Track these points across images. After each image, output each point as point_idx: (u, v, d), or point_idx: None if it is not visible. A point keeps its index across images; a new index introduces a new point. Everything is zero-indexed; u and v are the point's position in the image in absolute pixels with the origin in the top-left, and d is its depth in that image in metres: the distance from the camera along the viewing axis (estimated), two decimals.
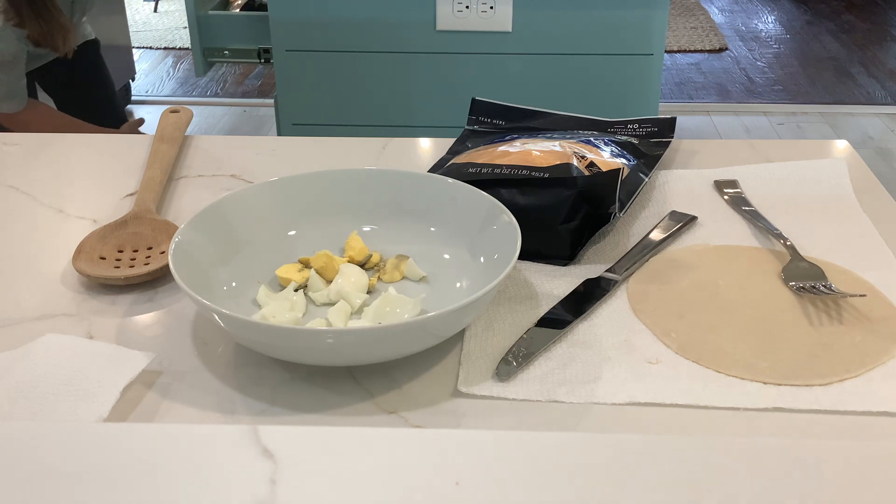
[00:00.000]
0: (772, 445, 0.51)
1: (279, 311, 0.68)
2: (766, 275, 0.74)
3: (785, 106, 3.25)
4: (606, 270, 0.74)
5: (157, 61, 3.64)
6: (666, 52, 2.58)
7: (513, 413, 0.60)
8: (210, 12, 1.80)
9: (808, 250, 0.77)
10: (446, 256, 0.75)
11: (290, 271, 0.73)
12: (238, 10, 1.86)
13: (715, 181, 0.89)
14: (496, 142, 0.88)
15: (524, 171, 0.78)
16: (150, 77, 3.49)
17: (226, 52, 1.81)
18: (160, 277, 0.74)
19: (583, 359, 0.65)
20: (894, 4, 4.31)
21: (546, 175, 0.77)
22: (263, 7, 1.84)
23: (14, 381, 0.59)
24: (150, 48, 3.78)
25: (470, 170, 0.80)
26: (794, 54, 3.75)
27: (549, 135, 0.90)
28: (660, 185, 0.88)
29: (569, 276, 0.75)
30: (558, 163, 0.79)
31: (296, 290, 0.71)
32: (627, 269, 0.74)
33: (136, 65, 3.34)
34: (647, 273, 0.74)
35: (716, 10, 4.27)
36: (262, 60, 1.83)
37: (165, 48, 3.78)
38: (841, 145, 0.97)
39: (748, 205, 0.84)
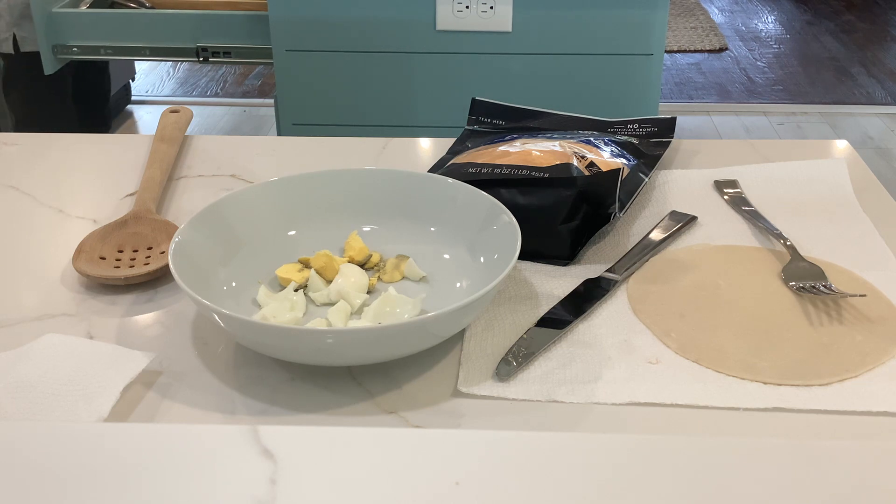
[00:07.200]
0: (772, 445, 0.51)
1: (279, 311, 0.68)
2: (766, 275, 0.74)
3: (785, 106, 3.25)
4: (606, 270, 0.74)
5: (157, 61, 3.63)
6: (666, 52, 2.58)
7: (513, 413, 0.60)
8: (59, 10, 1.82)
9: (808, 250, 0.77)
10: (446, 256, 0.75)
11: (290, 271, 0.73)
12: (86, 8, 1.88)
13: (715, 181, 0.89)
14: (496, 142, 0.88)
15: (524, 171, 0.78)
16: (150, 77, 3.49)
17: (75, 49, 1.83)
18: (160, 277, 0.74)
19: (583, 359, 0.65)
20: (894, 4, 4.31)
21: (546, 175, 0.77)
22: (118, 5, 1.87)
23: (14, 380, 0.59)
24: None
25: (470, 170, 0.80)
26: (794, 54, 3.75)
27: (549, 135, 0.90)
28: (660, 185, 0.88)
29: (569, 276, 0.75)
30: (558, 163, 0.79)
31: (296, 290, 0.71)
32: (627, 269, 0.74)
33: (136, 65, 3.34)
34: (647, 273, 0.74)
35: (716, 10, 4.27)
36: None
37: None
38: (841, 145, 0.97)
39: (748, 205, 0.84)
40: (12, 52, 2.13)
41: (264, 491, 0.46)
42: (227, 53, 1.83)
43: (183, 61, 2.72)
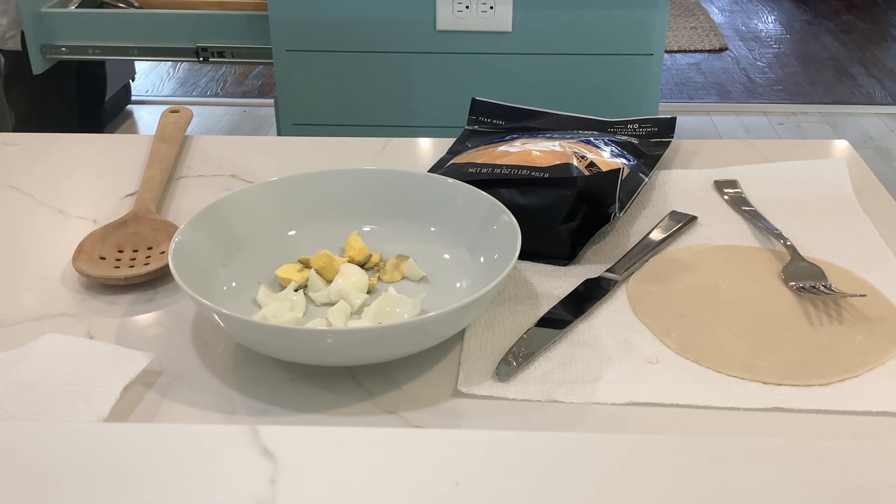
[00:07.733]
0: (772, 445, 0.51)
1: (279, 311, 0.68)
2: (766, 275, 0.74)
3: (785, 106, 3.25)
4: (606, 270, 0.74)
5: (157, 61, 3.63)
6: (666, 52, 2.58)
7: (513, 413, 0.60)
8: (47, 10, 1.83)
9: (808, 250, 0.77)
10: (446, 256, 0.75)
11: (290, 271, 0.73)
12: (74, 8, 1.89)
13: (715, 181, 0.89)
14: (496, 142, 0.88)
15: (524, 171, 0.78)
16: (150, 77, 3.49)
17: (63, 49, 1.85)
18: (160, 277, 0.74)
19: (583, 359, 0.65)
20: (894, 4, 4.31)
21: (546, 175, 0.77)
22: (107, 5, 1.89)
23: (14, 380, 0.59)
24: None
25: (470, 170, 0.80)
26: (794, 54, 3.75)
27: (549, 135, 0.90)
28: (660, 185, 0.88)
29: (569, 276, 0.75)
30: (558, 163, 0.79)
31: (296, 290, 0.71)
32: (627, 269, 0.74)
33: (136, 65, 3.34)
34: (647, 273, 0.74)
35: (716, 10, 4.27)
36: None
37: None
38: (841, 145, 0.97)
39: (748, 205, 0.84)
40: (20, 48, 2.13)
41: (264, 491, 0.46)
42: (220, 54, 1.83)
43: (181, 61, 2.72)
